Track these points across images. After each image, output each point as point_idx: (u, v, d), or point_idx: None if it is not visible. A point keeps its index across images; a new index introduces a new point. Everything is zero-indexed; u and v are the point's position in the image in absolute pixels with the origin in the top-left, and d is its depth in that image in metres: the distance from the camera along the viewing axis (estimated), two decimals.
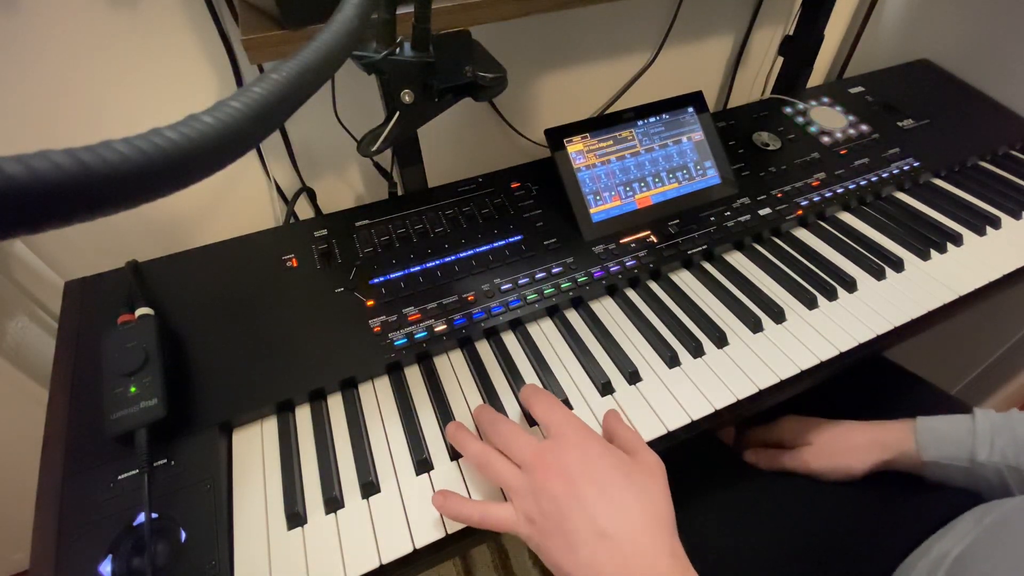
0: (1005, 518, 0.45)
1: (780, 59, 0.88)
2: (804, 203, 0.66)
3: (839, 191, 0.68)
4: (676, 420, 0.47)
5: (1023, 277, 0.62)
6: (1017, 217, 0.67)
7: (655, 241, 0.61)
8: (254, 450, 0.46)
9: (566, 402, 0.48)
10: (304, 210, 0.78)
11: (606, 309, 0.57)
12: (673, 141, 0.65)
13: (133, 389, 0.43)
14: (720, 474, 0.60)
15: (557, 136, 0.62)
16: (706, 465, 0.61)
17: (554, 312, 0.56)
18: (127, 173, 0.15)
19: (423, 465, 0.44)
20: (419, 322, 0.52)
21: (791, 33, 0.84)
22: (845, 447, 0.57)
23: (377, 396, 0.49)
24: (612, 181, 0.63)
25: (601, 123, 0.63)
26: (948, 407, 0.64)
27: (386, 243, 0.58)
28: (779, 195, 0.67)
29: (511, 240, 0.60)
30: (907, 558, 0.50)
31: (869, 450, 0.56)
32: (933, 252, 0.62)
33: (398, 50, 0.43)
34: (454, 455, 0.45)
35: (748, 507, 0.57)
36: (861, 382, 0.67)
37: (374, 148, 0.47)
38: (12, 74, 0.53)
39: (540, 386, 0.48)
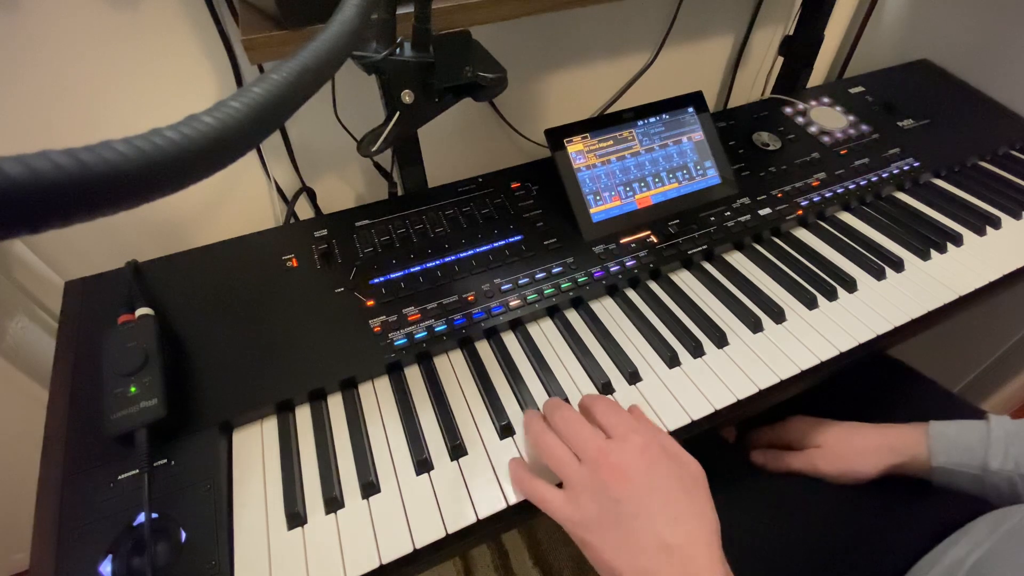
0: (1023, 526, 0.44)
1: (780, 59, 0.88)
2: (804, 203, 0.66)
3: (839, 191, 0.68)
4: (676, 420, 0.47)
5: (1023, 277, 0.62)
6: (1017, 217, 0.67)
7: (655, 241, 0.61)
8: (254, 450, 0.46)
9: (565, 402, 0.48)
10: (304, 210, 0.78)
11: (606, 309, 0.57)
12: (673, 141, 0.65)
13: (133, 389, 0.43)
14: (724, 475, 0.60)
15: (557, 136, 0.62)
16: (710, 465, 0.61)
17: (554, 312, 0.56)
18: (127, 173, 0.15)
19: (423, 465, 0.44)
20: (419, 322, 0.52)
21: (791, 33, 0.84)
22: (855, 450, 0.57)
23: (377, 396, 0.49)
24: (612, 181, 0.63)
25: (601, 123, 0.63)
26: (952, 406, 0.64)
27: (386, 243, 0.58)
28: (779, 195, 0.67)
29: (511, 240, 0.60)
30: (918, 563, 0.49)
31: (879, 454, 0.56)
32: (933, 252, 0.62)
33: (398, 50, 0.43)
34: (454, 455, 0.45)
35: (753, 508, 0.57)
36: (866, 380, 0.67)
37: (374, 148, 0.47)
38: (12, 73, 0.53)
39: (544, 389, 0.49)
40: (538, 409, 0.47)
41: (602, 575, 0.37)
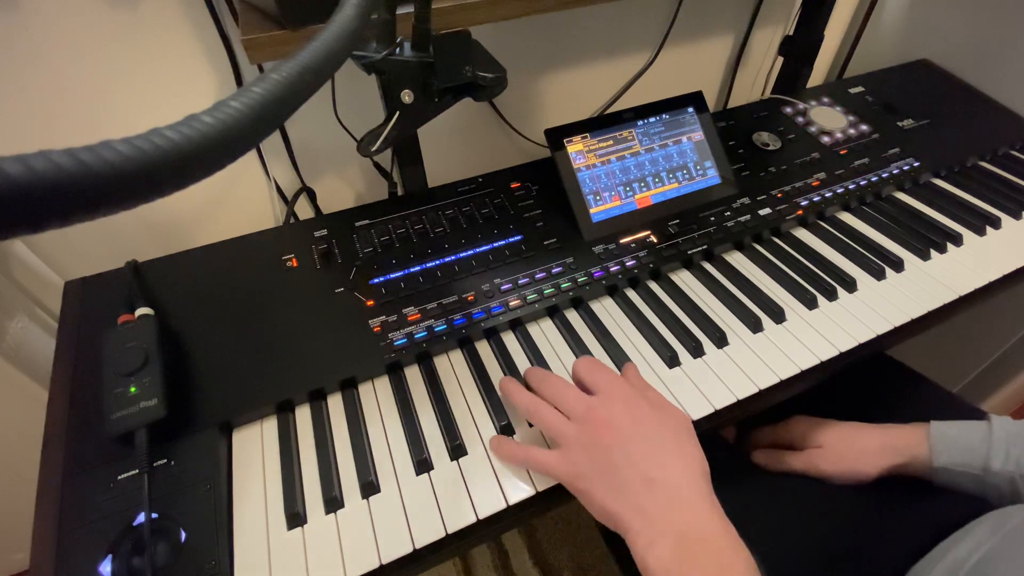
0: None
1: (780, 59, 0.88)
2: (804, 203, 0.66)
3: (839, 191, 0.68)
4: None
5: (1023, 277, 0.62)
6: (1017, 217, 0.67)
7: (655, 241, 0.61)
8: (254, 450, 0.46)
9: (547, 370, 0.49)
10: (304, 210, 0.78)
11: (606, 309, 0.57)
12: (673, 141, 0.65)
13: (133, 389, 0.43)
14: (724, 474, 0.60)
15: (557, 136, 0.62)
16: (710, 465, 0.61)
17: (554, 312, 0.56)
18: (127, 173, 0.15)
19: (423, 465, 0.44)
20: (419, 322, 0.52)
21: (791, 33, 0.84)
22: (856, 450, 0.57)
23: (377, 396, 0.49)
24: (612, 181, 0.63)
25: (601, 123, 0.63)
26: (952, 406, 0.63)
27: (386, 243, 0.58)
28: (779, 195, 0.67)
29: (511, 240, 0.60)
30: (918, 563, 0.49)
31: (881, 454, 0.56)
32: (933, 252, 0.62)
33: (398, 50, 0.43)
34: (454, 455, 0.45)
35: (754, 508, 0.57)
36: (866, 380, 0.67)
37: (374, 148, 0.47)
38: (12, 73, 0.53)
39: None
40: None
41: (602, 522, 0.39)
